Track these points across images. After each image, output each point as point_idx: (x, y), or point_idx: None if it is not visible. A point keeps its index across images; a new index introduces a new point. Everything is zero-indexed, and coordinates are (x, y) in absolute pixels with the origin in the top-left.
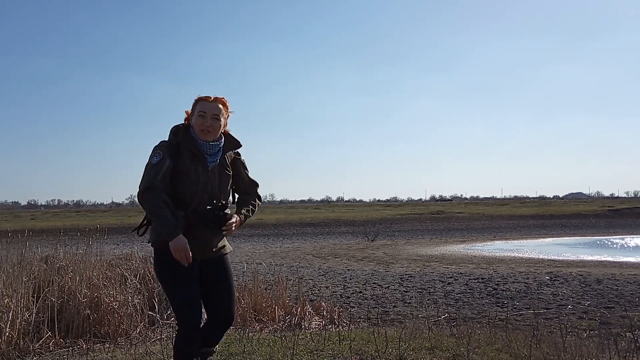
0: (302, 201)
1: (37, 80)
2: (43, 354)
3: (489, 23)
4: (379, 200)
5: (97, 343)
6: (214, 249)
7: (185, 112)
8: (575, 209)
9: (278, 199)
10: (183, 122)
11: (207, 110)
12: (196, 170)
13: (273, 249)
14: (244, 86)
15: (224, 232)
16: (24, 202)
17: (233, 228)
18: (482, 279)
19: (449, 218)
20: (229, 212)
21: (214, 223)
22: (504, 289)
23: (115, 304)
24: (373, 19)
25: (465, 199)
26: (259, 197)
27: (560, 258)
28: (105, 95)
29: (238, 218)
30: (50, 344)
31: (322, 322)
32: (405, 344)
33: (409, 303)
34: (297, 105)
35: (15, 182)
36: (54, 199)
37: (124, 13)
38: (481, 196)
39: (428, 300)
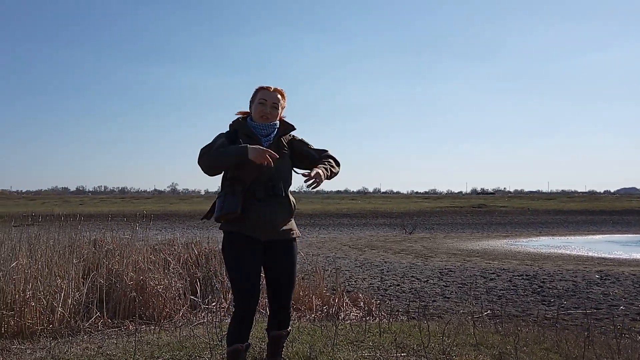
0: (338, 192)
1: (89, 72)
2: (93, 333)
3: (532, 8)
4: (416, 192)
5: (143, 325)
6: (277, 229)
7: (238, 113)
8: (628, 205)
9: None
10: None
11: (268, 98)
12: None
13: (309, 239)
14: (281, 76)
15: (310, 184)
16: (72, 188)
17: (316, 178)
18: (526, 275)
19: (491, 212)
20: (285, 191)
21: (270, 197)
22: (550, 286)
23: (160, 288)
24: (409, 6)
25: (509, 192)
26: (334, 158)
27: (612, 256)
28: (151, 88)
29: (317, 170)
30: (99, 323)
31: (359, 313)
32: (448, 340)
33: (449, 298)
34: (334, 96)
35: (65, 169)
36: (101, 185)
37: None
38: (526, 190)
39: (469, 296)
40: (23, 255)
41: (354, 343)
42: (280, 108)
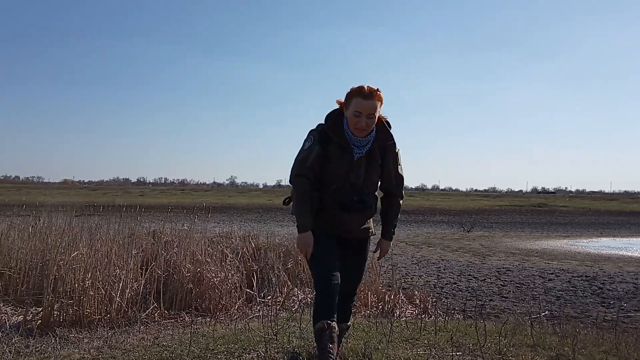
0: None
1: (152, 62)
2: (149, 324)
3: (601, 8)
4: (476, 190)
5: (199, 316)
6: (352, 231)
7: (337, 102)
8: None
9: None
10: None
11: (363, 110)
12: (341, 158)
13: None
14: (347, 70)
15: (378, 259)
16: (133, 179)
17: (383, 254)
18: (586, 276)
19: (551, 211)
20: (369, 202)
21: (350, 208)
22: (611, 288)
23: (216, 280)
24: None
25: (570, 192)
26: (402, 196)
27: None
28: (213, 80)
29: (385, 247)
30: (156, 314)
31: (415, 311)
32: (505, 340)
33: (507, 297)
34: (393, 89)
35: (127, 160)
36: (161, 177)
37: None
38: (587, 190)
39: (527, 296)
40: (84, 245)
41: (409, 341)
42: (377, 113)
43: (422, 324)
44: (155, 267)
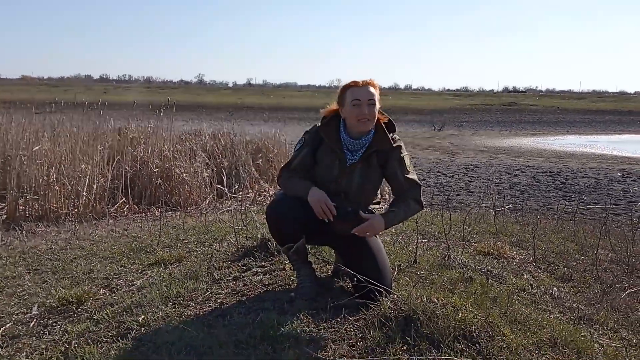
0: None
1: None
2: (118, 218)
3: None
4: (448, 90)
5: (169, 211)
6: (340, 234)
7: (322, 112)
8: None
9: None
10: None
11: (362, 97)
12: (332, 163)
13: None
14: None
15: (355, 232)
16: (96, 76)
17: (366, 230)
18: (550, 172)
19: (521, 110)
20: (360, 212)
21: (339, 215)
22: (573, 183)
23: (186, 176)
24: None
25: (540, 91)
26: (419, 201)
27: (636, 155)
28: None
29: (374, 223)
30: (125, 209)
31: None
32: (469, 228)
33: (473, 192)
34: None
35: (89, 56)
36: (125, 74)
37: None
38: (557, 89)
39: (493, 191)
40: (46, 140)
41: None
42: (377, 102)
43: None
44: (123, 162)
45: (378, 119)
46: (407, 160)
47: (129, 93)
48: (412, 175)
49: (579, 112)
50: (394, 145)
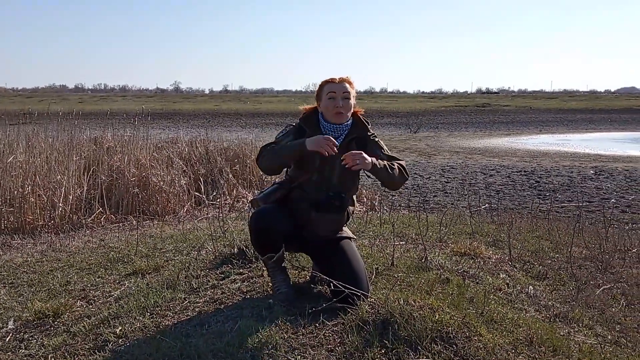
0: None
1: None
2: (95, 228)
3: None
4: (423, 92)
5: (147, 220)
6: (319, 234)
7: (303, 109)
8: (626, 104)
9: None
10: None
11: (337, 90)
12: (314, 153)
13: None
14: None
15: (344, 157)
16: (71, 86)
17: (356, 158)
18: (524, 171)
19: (494, 111)
20: (341, 200)
21: (319, 204)
22: (547, 182)
23: (163, 184)
24: None
25: (513, 92)
26: (404, 169)
27: (607, 153)
28: None
29: (370, 158)
30: (102, 219)
31: (362, 208)
32: (445, 229)
33: (449, 193)
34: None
35: (63, 66)
36: (100, 83)
37: None
38: (529, 89)
39: (469, 191)
40: (21, 152)
41: (355, 233)
42: (352, 98)
43: (368, 218)
44: (99, 172)
45: (355, 111)
46: (383, 145)
47: (113, 103)
48: (394, 154)
49: (551, 111)
50: (370, 132)
